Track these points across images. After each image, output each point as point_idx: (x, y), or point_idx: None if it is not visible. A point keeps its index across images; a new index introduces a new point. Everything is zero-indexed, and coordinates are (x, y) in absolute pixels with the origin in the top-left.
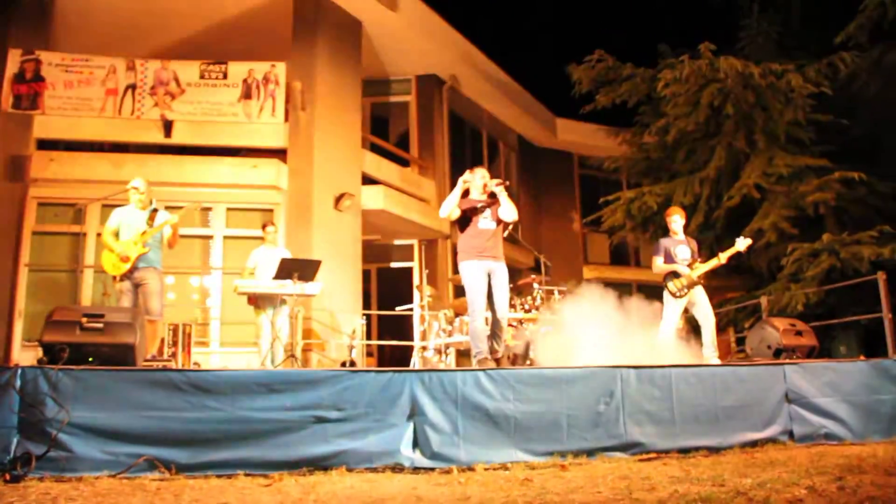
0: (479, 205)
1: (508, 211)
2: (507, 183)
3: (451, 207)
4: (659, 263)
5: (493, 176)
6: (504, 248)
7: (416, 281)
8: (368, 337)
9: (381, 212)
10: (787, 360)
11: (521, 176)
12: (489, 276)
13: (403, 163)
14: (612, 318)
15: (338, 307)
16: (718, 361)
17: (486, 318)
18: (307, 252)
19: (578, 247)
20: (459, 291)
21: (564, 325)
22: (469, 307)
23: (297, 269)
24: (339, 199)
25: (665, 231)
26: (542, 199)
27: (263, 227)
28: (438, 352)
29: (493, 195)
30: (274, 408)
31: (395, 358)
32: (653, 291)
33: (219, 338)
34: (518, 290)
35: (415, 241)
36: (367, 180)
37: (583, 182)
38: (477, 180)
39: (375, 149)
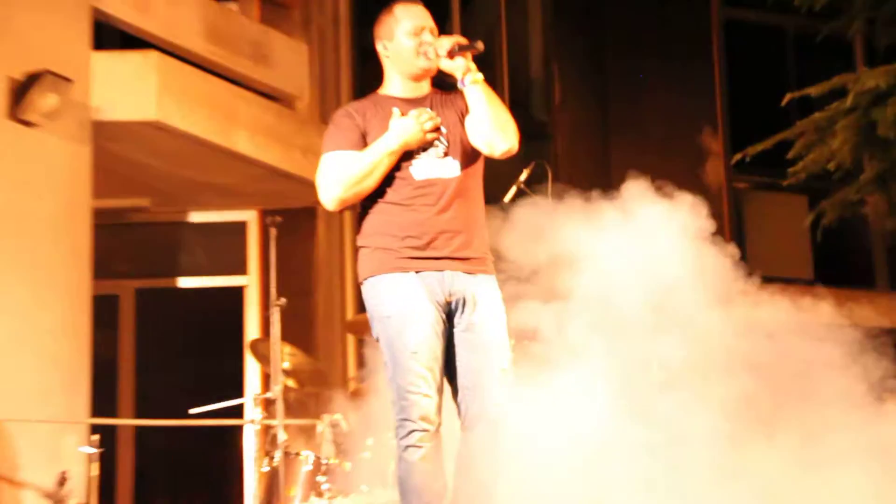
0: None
1: (488, 123)
2: (481, 47)
3: (362, 172)
4: None
5: (448, 31)
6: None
7: (250, 330)
8: (105, 493)
9: (152, 127)
10: None
11: (561, 26)
12: (447, 312)
13: None
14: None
15: (17, 407)
16: None
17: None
18: None
19: (721, 226)
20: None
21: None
22: (394, 405)
23: None
24: (22, 91)
25: None
26: (616, 94)
27: None
28: None
29: (443, 85)
30: None
31: None
32: None
33: None
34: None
35: (249, 216)
36: (114, 35)
37: (734, 43)
38: (400, 39)
39: None
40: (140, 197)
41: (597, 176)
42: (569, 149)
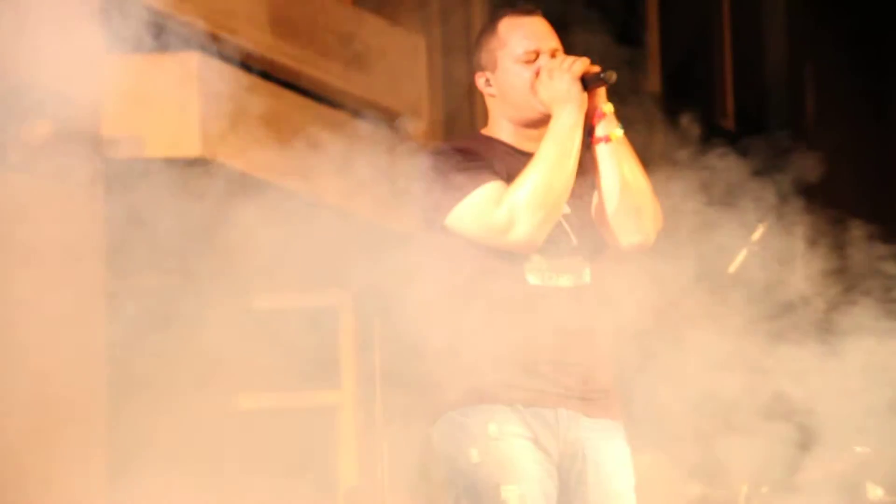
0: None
1: (617, 200)
2: (613, 78)
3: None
4: None
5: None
6: None
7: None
8: None
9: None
10: None
11: (814, 12)
12: (569, 470)
13: None
14: None
15: None
16: None
17: None
18: None
19: None
20: None
21: None
22: None
23: None
24: None
25: None
26: None
27: None
28: None
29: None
30: None
31: None
32: None
33: None
34: None
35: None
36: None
37: None
38: (508, 69)
39: None
40: None
41: (875, 223)
42: (830, 186)
